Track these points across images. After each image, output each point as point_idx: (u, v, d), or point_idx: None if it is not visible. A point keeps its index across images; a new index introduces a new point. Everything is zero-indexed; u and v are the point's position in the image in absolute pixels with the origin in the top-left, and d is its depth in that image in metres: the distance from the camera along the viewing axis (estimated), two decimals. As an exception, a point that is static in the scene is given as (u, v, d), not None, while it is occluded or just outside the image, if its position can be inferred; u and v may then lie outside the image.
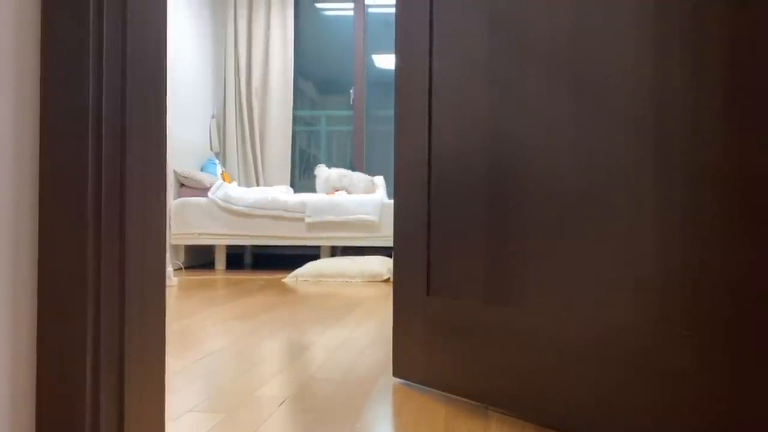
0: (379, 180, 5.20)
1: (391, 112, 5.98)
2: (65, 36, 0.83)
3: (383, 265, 4.22)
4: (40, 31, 0.84)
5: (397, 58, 1.62)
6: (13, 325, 0.83)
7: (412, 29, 1.58)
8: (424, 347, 1.53)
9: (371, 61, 6.01)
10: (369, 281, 4.08)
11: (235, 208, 4.65)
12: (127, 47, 0.89)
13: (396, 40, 1.62)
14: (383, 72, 6.06)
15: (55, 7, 0.83)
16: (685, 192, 1.04)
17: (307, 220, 4.59)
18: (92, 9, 0.83)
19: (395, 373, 1.61)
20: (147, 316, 0.95)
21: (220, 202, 4.67)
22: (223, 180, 5.06)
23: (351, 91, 5.88)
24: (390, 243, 4.57)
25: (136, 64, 0.91)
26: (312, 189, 5.97)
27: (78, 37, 0.83)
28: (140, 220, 0.92)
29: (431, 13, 1.52)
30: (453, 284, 1.46)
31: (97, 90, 0.84)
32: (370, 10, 5.93)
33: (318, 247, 5.16)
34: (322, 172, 5.15)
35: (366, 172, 5.84)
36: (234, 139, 5.76)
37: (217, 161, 5.34)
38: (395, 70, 1.63)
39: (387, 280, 4.11)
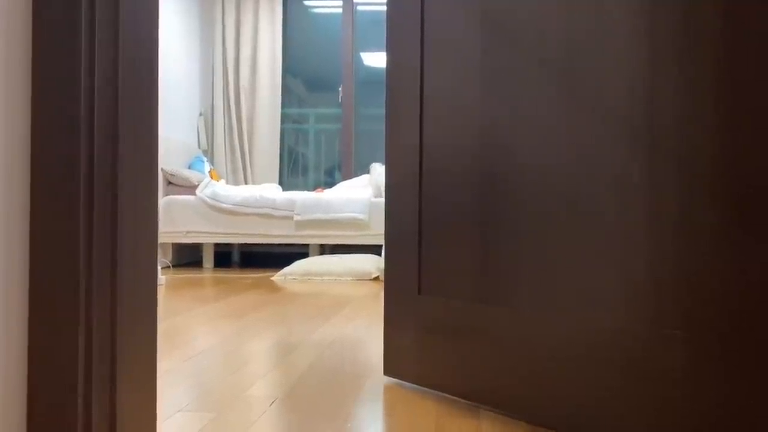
0: (367, 179, 5.19)
1: (379, 111, 5.97)
2: (57, 35, 0.82)
3: (372, 264, 4.21)
4: (31, 29, 0.83)
5: (388, 56, 1.62)
6: (4, 325, 0.82)
7: (404, 27, 1.58)
8: (416, 346, 1.53)
9: (359, 59, 5.99)
10: (358, 280, 4.08)
11: (223, 206, 4.63)
12: (120, 46, 0.88)
13: (387, 38, 1.62)
14: (371, 70, 6.05)
15: (46, 6, 0.82)
16: (679, 196, 1.05)
17: (296, 218, 4.58)
18: (84, 8, 0.83)
19: (386, 372, 1.61)
20: (139, 316, 0.94)
21: (208, 200, 4.65)
22: (211, 178, 5.04)
23: (339, 89, 5.87)
24: (379, 241, 4.57)
25: (128, 64, 0.90)
26: (300, 187, 5.95)
27: (70, 37, 0.82)
28: (132, 220, 0.92)
29: (422, 10, 1.52)
30: (445, 284, 1.46)
31: (89, 91, 0.84)
32: (359, 7, 5.92)
33: (306, 246, 5.15)
34: (377, 168, 5.04)
35: (354, 171, 5.84)
36: (222, 137, 5.73)
37: (204, 159, 5.32)
38: (386, 68, 1.63)
39: (376, 279, 4.11)
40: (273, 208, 4.62)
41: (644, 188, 1.09)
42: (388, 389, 1.53)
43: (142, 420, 0.96)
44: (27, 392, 0.83)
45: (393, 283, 1.60)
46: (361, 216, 4.54)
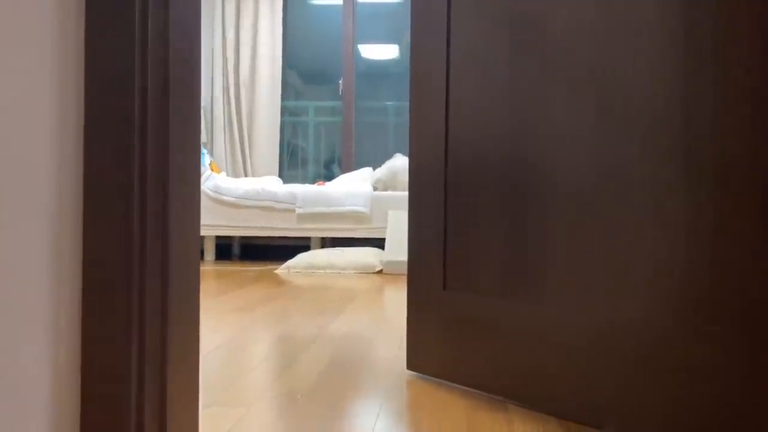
0: (367, 172, 5.20)
1: (376, 104, 5.97)
2: (110, 36, 0.82)
3: (375, 257, 4.23)
4: (84, 27, 0.83)
5: (412, 51, 1.63)
6: (56, 322, 0.83)
7: (429, 23, 1.58)
8: (440, 341, 1.54)
9: (357, 52, 5.98)
10: (361, 273, 4.09)
11: (225, 198, 4.63)
12: (170, 47, 0.88)
13: (412, 33, 1.62)
14: (370, 63, 6.04)
15: (99, 6, 0.82)
16: (714, 198, 1.06)
17: (298, 211, 4.58)
18: (138, 8, 0.83)
19: (409, 366, 1.62)
20: (185, 312, 0.95)
21: (210, 192, 4.64)
22: (212, 170, 5.03)
23: (340, 82, 5.86)
24: (381, 235, 4.58)
25: (176, 63, 0.90)
26: (299, 179, 5.95)
27: (123, 36, 0.82)
28: (180, 214, 0.92)
29: (449, 7, 1.52)
30: (470, 279, 1.47)
31: (142, 91, 0.84)
32: None
33: (307, 239, 5.15)
34: (399, 160, 4.99)
35: (354, 164, 5.84)
36: (222, 130, 5.71)
37: (205, 151, 5.30)
38: (411, 62, 1.63)
39: (379, 272, 4.12)
40: (275, 201, 4.62)
41: (675, 184, 1.11)
42: (412, 383, 1.54)
43: (187, 417, 0.96)
44: (80, 392, 0.84)
45: (417, 278, 1.61)
46: (363, 209, 4.55)
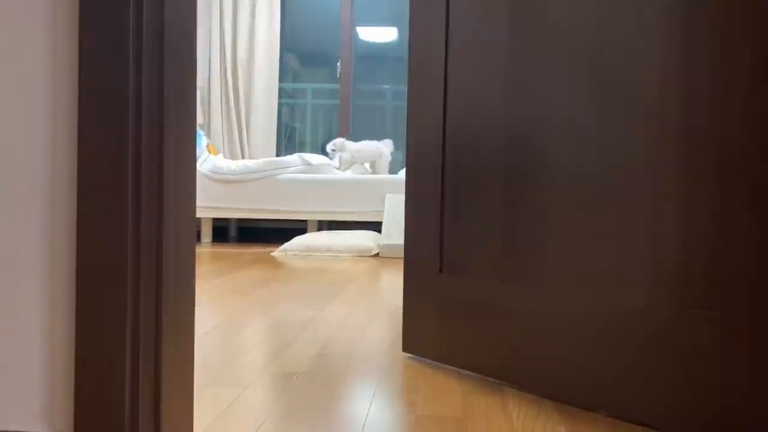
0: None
1: (374, 87, 5.94)
2: (105, 14, 0.82)
3: (372, 240, 4.23)
4: (78, 5, 0.82)
5: (411, 34, 1.61)
6: (51, 308, 0.83)
7: (429, 6, 1.57)
8: (436, 324, 1.54)
9: (356, 34, 5.95)
10: (358, 256, 4.09)
11: (228, 177, 4.63)
12: (165, 22, 0.87)
13: (411, 17, 1.61)
14: (368, 45, 6.01)
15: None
16: (711, 177, 1.06)
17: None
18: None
19: (405, 349, 1.63)
20: (180, 295, 0.94)
21: (208, 173, 4.63)
22: (209, 152, 5.01)
23: (338, 64, 5.83)
24: (377, 218, 4.58)
25: (172, 45, 0.89)
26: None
27: (118, 15, 0.82)
28: (175, 196, 0.92)
29: (448, -10, 1.51)
30: (467, 262, 1.47)
31: (137, 69, 0.83)
32: (358, -19, 5.86)
33: (304, 222, 5.15)
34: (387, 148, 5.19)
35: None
36: (219, 112, 5.69)
37: (201, 133, 5.28)
38: (409, 46, 1.62)
39: (376, 255, 4.13)
40: (283, 167, 4.72)
41: (676, 170, 1.10)
42: (408, 365, 1.55)
43: (181, 397, 0.97)
44: (74, 376, 0.84)
45: (413, 260, 1.61)
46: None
